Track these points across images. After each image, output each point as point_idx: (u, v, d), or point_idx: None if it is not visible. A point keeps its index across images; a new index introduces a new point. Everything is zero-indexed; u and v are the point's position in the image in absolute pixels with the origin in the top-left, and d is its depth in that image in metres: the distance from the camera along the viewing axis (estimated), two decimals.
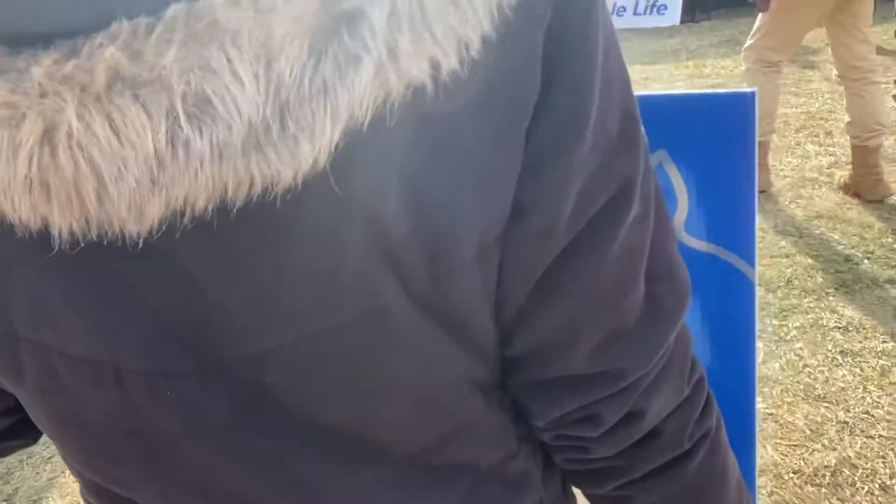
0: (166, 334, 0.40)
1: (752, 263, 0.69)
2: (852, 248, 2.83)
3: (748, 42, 3.25)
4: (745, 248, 0.69)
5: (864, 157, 3.19)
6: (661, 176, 0.68)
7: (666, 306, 0.51)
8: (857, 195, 3.24)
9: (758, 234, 2.66)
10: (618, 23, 7.86)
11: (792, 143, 4.00)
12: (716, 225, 0.69)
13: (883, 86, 3.33)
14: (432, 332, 0.44)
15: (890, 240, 2.86)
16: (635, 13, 7.80)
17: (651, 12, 7.85)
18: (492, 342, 0.49)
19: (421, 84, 0.34)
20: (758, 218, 2.79)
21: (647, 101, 0.66)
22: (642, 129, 0.47)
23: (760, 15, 3.16)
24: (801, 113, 4.45)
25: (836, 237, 2.93)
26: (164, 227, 0.32)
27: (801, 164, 3.68)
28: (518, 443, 0.54)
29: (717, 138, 0.65)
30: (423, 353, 0.45)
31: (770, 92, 3.20)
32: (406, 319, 0.42)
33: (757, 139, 2.55)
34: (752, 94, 0.63)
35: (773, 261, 2.80)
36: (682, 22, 7.78)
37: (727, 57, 5.99)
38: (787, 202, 3.28)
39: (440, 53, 0.34)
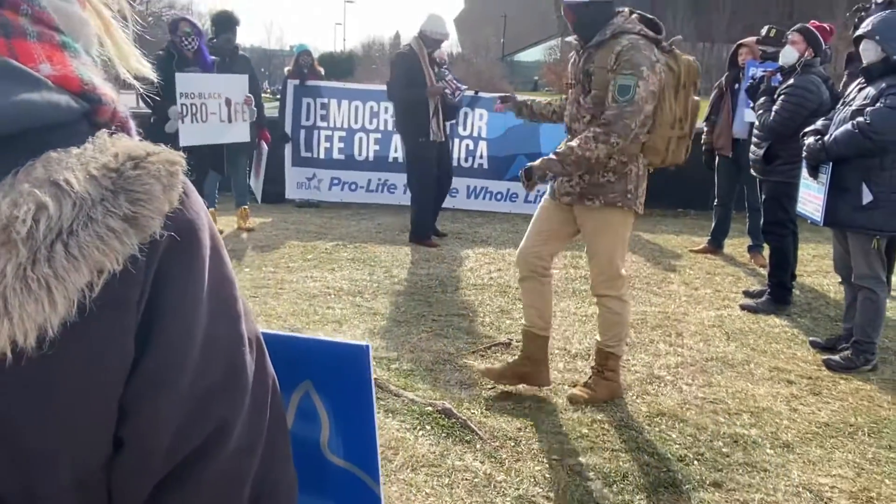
0: None
1: (376, 479, 0.84)
2: (686, 448, 3.00)
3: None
4: (371, 467, 0.84)
5: (605, 359, 3.42)
6: (308, 402, 0.82)
7: None
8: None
9: (602, 425, 2.77)
10: (510, 208, 8.41)
11: (646, 340, 4.29)
12: (349, 446, 0.83)
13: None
14: None
15: (720, 443, 3.05)
16: (525, 201, 8.38)
17: (540, 201, 8.44)
18: None
19: (2, 354, 0.44)
20: (606, 410, 2.91)
21: (293, 341, 0.81)
22: (250, 376, 0.59)
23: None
24: (659, 312, 4.80)
25: (674, 436, 3.11)
26: None
27: (651, 361, 3.94)
28: None
29: (344, 377, 0.80)
30: None
31: (547, 294, 3.45)
32: None
33: (538, 333, 3.10)
34: (367, 346, 0.79)
35: (613, 454, 2.93)
36: None
37: None
38: (634, 397, 3.47)
39: (19, 334, 0.44)
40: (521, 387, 3.50)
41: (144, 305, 0.51)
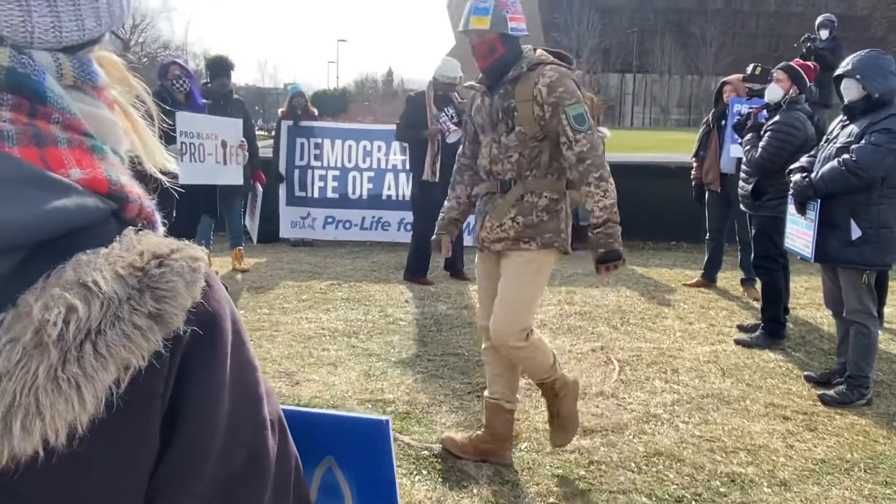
0: None
1: None
2: (684, 488, 3.00)
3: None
4: None
5: (552, 388, 3.18)
6: (331, 477, 0.84)
7: None
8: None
9: (600, 467, 2.76)
10: None
11: (642, 377, 4.29)
12: None
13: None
14: None
15: (717, 483, 3.05)
16: None
17: None
18: None
19: (34, 452, 0.47)
20: (603, 451, 2.89)
21: (314, 417, 0.84)
22: (272, 459, 0.62)
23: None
24: (654, 348, 4.82)
25: (671, 476, 3.10)
26: None
27: (647, 399, 3.94)
28: None
29: (365, 451, 0.83)
30: None
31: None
32: None
33: (506, 406, 3.01)
34: (387, 421, 0.81)
35: (612, 496, 2.91)
36: None
37: (595, 287, 6.50)
38: (631, 437, 3.47)
39: (50, 433, 0.47)
40: (517, 428, 3.50)
41: (169, 398, 0.54)
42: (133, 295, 0.51)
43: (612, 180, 2.91)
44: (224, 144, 6.21)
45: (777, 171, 4.57)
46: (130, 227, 0.56)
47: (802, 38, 8.58)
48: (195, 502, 0.56)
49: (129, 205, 0.57)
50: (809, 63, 5.02)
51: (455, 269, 6.93)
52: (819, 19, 8.60)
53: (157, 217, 0.62)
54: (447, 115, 6.21)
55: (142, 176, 0.65)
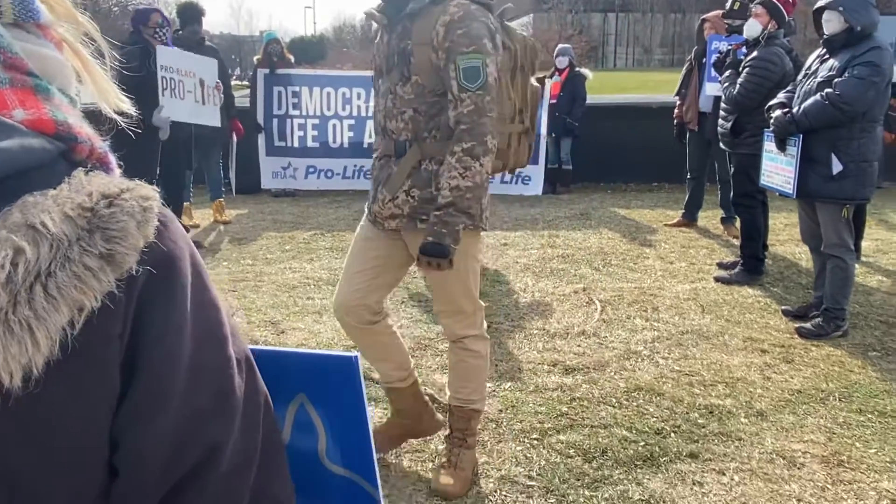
0: None
1: (374, 485, 0.87)
2: (663, 421, 3.07)
3: None
4: (369, 473, 0.87)
5: (468, 422, 2.70)
6: (304, 414, 0.85)
7: None
8: None
9: (582, 403, 2.81)
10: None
11: (623, 316, 4.35)
12: (346, 454, 0.87)
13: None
14: None
15: (696, 415, 3.13)
16: (502, 181, 8.34)
17: (516, 182, 8.45)
18: None
19: None
20: (585, 388, 2.94)
21: (284, 356, 0.85)
22: (240, 397, 0.62)
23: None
24: (635, 288, 4.87)
25: (651, 409, 3.18)
26: None
27: (628, 337, 4.01)
28: None
29: (336, 388, 0.84)
30: None
31: (394, 340, 2.79)
32: None
33: (402, 386, 2.69)
34: (356, 357, 0.82)
35: (593, 430, 2.99)
36: (544, 193, 8.44)
37: (577, 230, 6.53)
38: (612, 373, 3.54)
39: (4, 376, 0.47)
40: (501, 368, 3.55)
41: (128, 339, 0.53)
42: (83, 236, 0.50)
43: (484, 161, 2.27)
44: (202, 83, 6.10)
45: (756, 108, 4.56)
46: (80, 168, 0.55)
47: None
48: (160, 442, 0.56)
49: (79, 146, 0.56)
50: None
51: None
52: None
53: (112, 158, 0.60)
54: None
55: (105, 118, 0.64)
